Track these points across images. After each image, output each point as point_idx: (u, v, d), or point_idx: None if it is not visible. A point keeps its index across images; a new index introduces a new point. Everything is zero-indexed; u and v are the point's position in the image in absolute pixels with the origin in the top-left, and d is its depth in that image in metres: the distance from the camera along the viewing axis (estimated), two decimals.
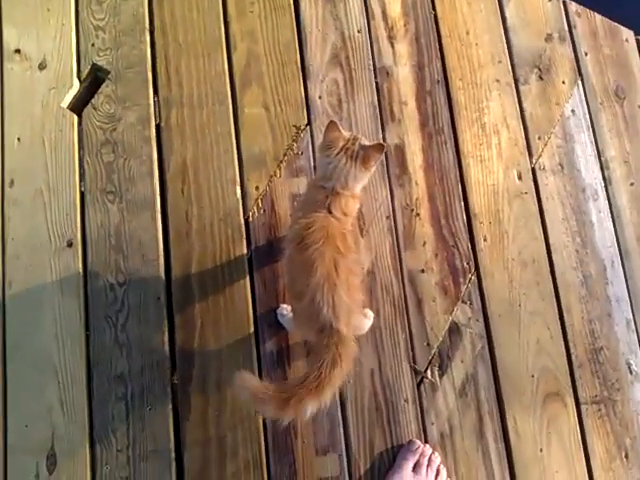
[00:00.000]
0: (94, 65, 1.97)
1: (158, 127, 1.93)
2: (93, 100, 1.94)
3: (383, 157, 1.62)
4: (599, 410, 1.85)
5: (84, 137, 1.91)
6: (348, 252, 1.39)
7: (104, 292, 1.79)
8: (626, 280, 1.97)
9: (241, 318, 1.79)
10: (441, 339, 1.83)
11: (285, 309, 1.75)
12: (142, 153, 1.89)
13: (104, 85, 1.95)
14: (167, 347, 1.76)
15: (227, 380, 1.74)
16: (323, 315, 1.33)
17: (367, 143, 1.45)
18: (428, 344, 1.82)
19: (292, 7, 2.05)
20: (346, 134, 1.46)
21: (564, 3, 2.17)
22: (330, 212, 1.42)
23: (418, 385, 1.80)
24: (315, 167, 1.92)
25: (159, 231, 1.84)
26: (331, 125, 1.46)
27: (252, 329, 1.79)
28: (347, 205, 1.44)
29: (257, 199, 1.88)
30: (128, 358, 1.75)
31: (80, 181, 1.88)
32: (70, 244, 1.82)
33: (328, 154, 1.44)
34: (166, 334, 1.77)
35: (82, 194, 1.87)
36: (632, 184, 2.05)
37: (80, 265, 1.81)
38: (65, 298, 1.79)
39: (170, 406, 1.73)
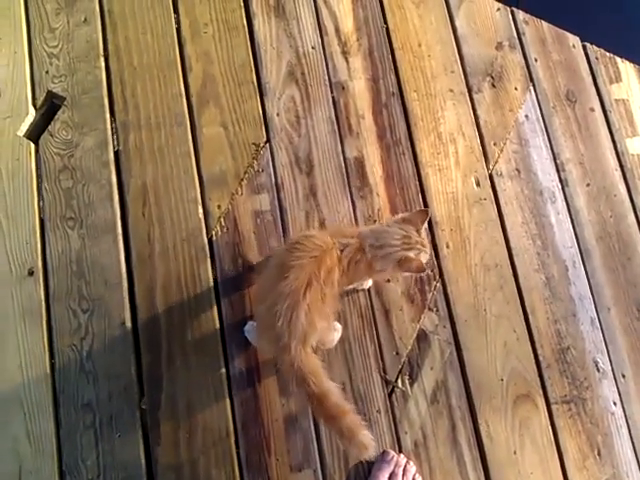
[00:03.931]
0: (49, 92, 1.96)
1: (117, 151, 1.92)
2: (50, 127, 1.93)
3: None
4: (569, 409, 1.87)
5: (42, 164, 1.89)
6: (326, 284, 1.37)
7: (68, 320, 1.76)
8: (588, 279, 2.00)
9: (209, 338, 1.78)
10: (410, 347, 1.84)
11: (252, 325, 1.74)
12: (101, 178, 1.88)
13: (60, 112, 1.94)
14: (134, 372, 1.74)
15: (197, 402, 1.72)
16: (278, 326, 1.33)
17: (421, 257, 1.44)
18: (397, 353, 1.83)
19: (246, 27, 2.07)
20: (423, 232, 1.47)
21: (512, 12, 2.23)
22: (341, 252, 1.41)
23: (389, 395, 1.80)
24: (277, 184, 1.94)
25: (121, 255, 1.82)
26: (424, 212, 1.48)
27: (220, 349, 1.77)
28: (356, 264, 1.42)
29: (220, 218, 1.88)
30: (95, 385, 1.72)
31: (39, 209, 1.86)
32: (31, 273, 1.79)
33: (395, 225, 1.45)
34: (133, 359, 1.75)
35: (42, 221, 1.85)
36: (588, 185, 2.10)
37: (42, 293, 1.78)
38: (28, 327, 1.76)
39: (140, 432, 1.70)
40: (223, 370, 1.76)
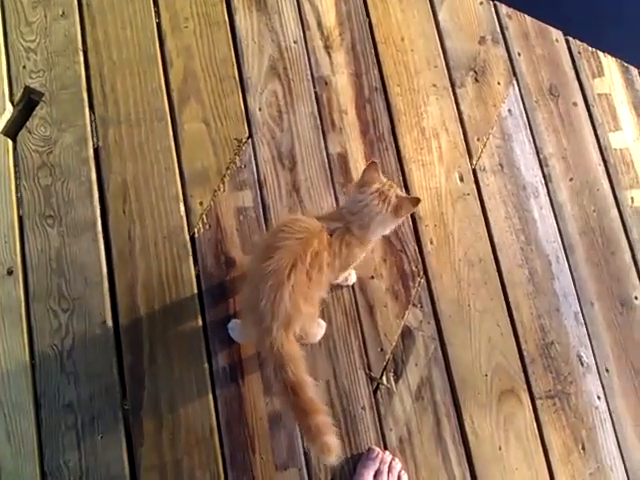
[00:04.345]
0: (27, 88, 1.93)
1: (96, 148, 1.89)
2: (28, 123, 1.89)
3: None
4: (554, 404, 1.87)
5: (20, 161, 1.86)
6: (312, 267, 1.35)
7: (48, 319, 1.74)
8: (571, 274, 2.01)
9: (191, 336, 1.76)
10: (394, 344, 1.83)
11: (236, 323, 1.73)
12: (80, 174, 1.85)
13: (38, 108, 1.91)
14: (116, 372, 1.72)
15: (179, 401, 1.71)
16: (261, 306, 1.31)
17: (402, 194, 1.45)
18: (382, 350, 1.82)
19: (227, 21, 2.05)
20: (383, 179, 1.46)
21: (495, 6, 2.22)
22: (331, 235, 1.40)
23: (374, 392, 1.79)
24: (260, 180, 1.91)
25: (101, 253, 1.79)
26: (371, 165, 1.45)
27: (203, 346, 1.75)
28: (347, 246, 1.42)
29: (202, 215, 1.86)
30: (76, 386, 1.70)
31: (18, 206, 1.83)
32: (10, 272, 1.76)
33: (362, 191, 1.43)
34: (114, 358, 1.72)
35: (20, 219, 1.82)
36: (571, 179, 2.10)
37: (22, 293, 1.75)
38: (8, 328, 1.73)
39: (122, 432, 1.68)
40: (206, 368, 1.74)
